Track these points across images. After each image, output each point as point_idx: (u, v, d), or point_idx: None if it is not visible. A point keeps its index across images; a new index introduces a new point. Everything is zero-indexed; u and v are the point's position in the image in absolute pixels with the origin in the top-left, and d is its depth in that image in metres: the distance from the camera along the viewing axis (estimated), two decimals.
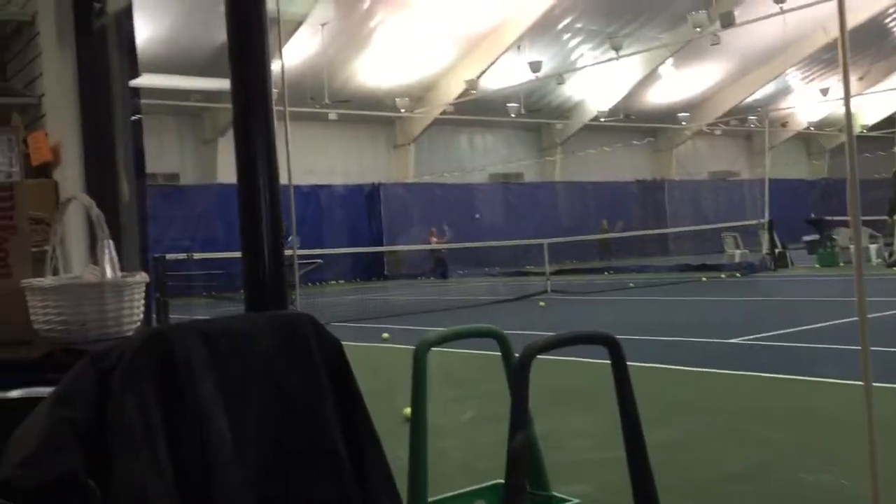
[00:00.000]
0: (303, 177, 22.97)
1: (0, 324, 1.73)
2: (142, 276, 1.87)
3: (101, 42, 2.91)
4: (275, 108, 2.08)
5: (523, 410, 1.98)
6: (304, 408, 1.32)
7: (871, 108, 33.40)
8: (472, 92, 23.60)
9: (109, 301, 1.78)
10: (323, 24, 20.34)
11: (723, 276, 16.51)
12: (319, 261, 14.67)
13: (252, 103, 1.98)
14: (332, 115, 23.12)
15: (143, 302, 1.90)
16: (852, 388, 5.12)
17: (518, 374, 1.98)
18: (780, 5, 17.08)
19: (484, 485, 2.36)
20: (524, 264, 22.22)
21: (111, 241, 1.82)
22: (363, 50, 22.64)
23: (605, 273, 19.82)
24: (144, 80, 3.02)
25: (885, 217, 15.13)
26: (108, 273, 1.79)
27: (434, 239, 22.35)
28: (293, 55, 21.00)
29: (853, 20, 25.75)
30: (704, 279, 15.87)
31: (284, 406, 1.29)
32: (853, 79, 31.66)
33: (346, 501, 1.27)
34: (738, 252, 19.27)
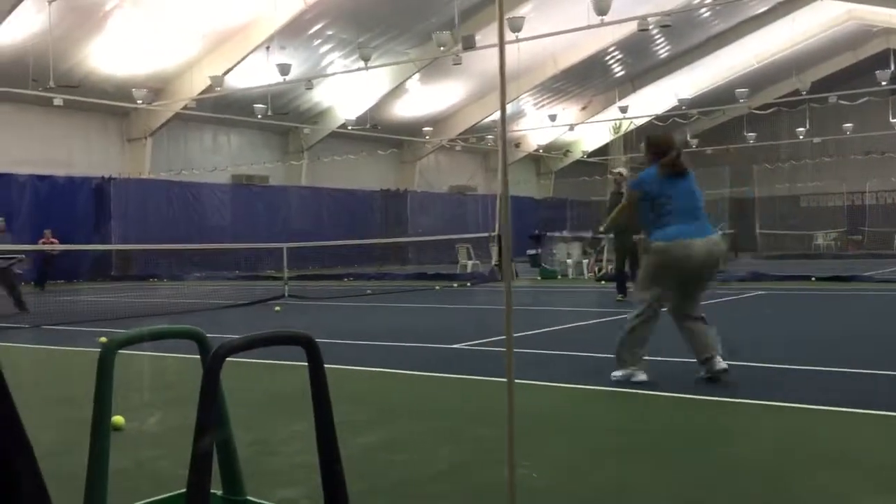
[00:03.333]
0: (18, 165, 20.90)
1: None
2: None
3: None
4: None
5: (210, 412, 1.93)
6: None
7: (591, 136, 36.86)
8: (217, 89, 22.79)
9: None
10: (51, 1, 18.62)
11: (455, 285, 17.32)
12: (20, 256, 13.34)
13: None
14: (58, 101, 21.21)
15: None
16: (557, 389, 5.58)
17: (208, 374, 1.93)
18: (516, 34, 18.30)
19: (169, 494, 2.26)
20: (266, 268, 21.83)
21: None
22: (98, 33, 21.03)
23: (346, 279, 20.02)
24: None
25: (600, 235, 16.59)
26: None
27: (44, 241, 18.66)
28: (13, 31, 19.05)
29: (578, 55, 28.30)
30: (438, 288, 16.55)
31: None
32: (576, 108, 34.70)
33: None
34: (470, 263, 20.35)
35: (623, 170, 12.99)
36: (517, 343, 7.80)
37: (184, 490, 2.26)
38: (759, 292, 13.53)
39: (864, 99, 26.93)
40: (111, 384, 2.15)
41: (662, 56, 32.15)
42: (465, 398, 5.50)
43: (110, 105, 23.11)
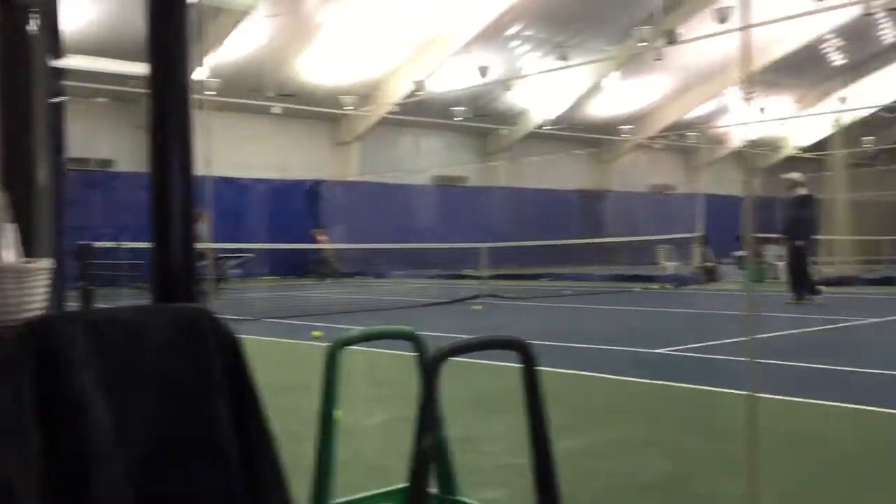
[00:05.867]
0: (241, 169, 22.68)
1: None
2: (46, 262, 1.81)
3: (22, 20, 2.82)
4: (205, 98, 2.06)
5: (431, 414, 1.99)
6: (194, 402, 1.30)
7: (805, 130, 34.47)
8: (419, 93, 23.62)
9: (9, 287, 1.73)
10: (269, 17, 20.09)
11: (655, 287, 16.82)
12: (250, 255, 14.47)
13: (167, 92, 1.95)
14: (276, 109, 22.86)
15: (47, 289, 1.84)
16: (771, 401, 5.27)
17: (427, 377, 1.99)
18: (723, 25, 17.49)
19: (390, 488, 2.35)
20: (463, 268, 22.30)
21: (12, 225, 1.77)
22: (310, 45, 22.45)
23: (543, 280, 20.03)
24: (69, 62, 2.91)
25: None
26: (9, 258, 1.74)
27: (321, 238, 21.69)
28: (238, 46, 20.71)
29: (790, 46, 26.59)
30: (638, 290, 16.15)
31: (174, 399, 1.27)
32: (790, 101, 32.61)
33: (231, 496, 1.25)
34: (671, 264, 19.70)
35: (796, 175, 12.73)
36: (723, 350, 7.45)
37: (402, 485, 2.35)
38: None
39: None
40: (336, 380, 2.27)
41: (890, 41, 29.45)
42: (672, 406, 5.32)
43: (322, 112, 24.59)
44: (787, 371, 6.44)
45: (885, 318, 10.16)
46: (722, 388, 5.66)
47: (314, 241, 21.35)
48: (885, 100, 30.09)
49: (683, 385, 5.82)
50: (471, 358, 6.36)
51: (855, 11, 19.72)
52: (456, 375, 6.22)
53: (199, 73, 20.11)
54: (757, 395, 2.72)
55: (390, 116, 25.61)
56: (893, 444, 4.19)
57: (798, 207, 12.36)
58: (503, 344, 2.14)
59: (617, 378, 6.16)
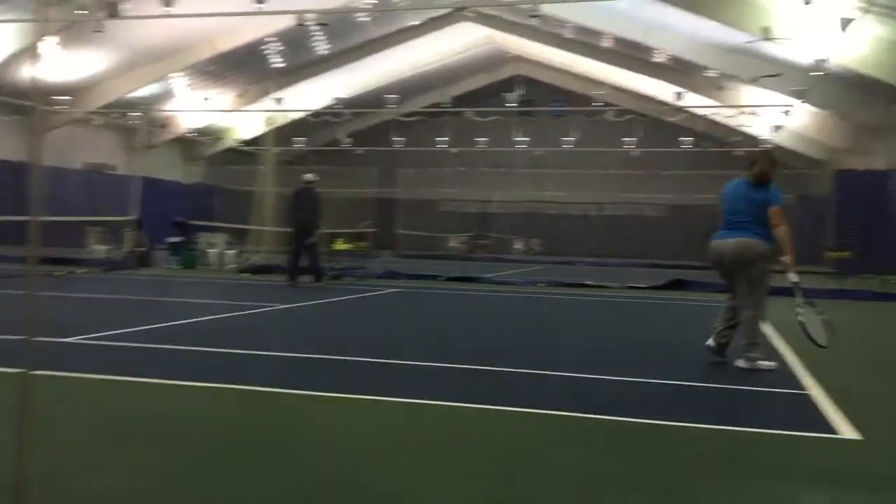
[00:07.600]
0: None
1: None
2: None
3: None
4: None
5: None
6: None
7: (246, 124, 36.24)
8: None
9: None
10: None
11: (83, 271, 15.92)
12: None
13: None
14: None
15: None
16: (164, 387, 5.32)
17: None
18: (167, 9, 17.33)
19: None
20: None
21: None
22: None
23: None
24: None
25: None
26: None
27: None
28: None
29: (236, 40, 27.68)
30: (60, 273, 15.07)
31: None
32: (233, 95, 33.93)
33: None
34: (103, 248, 18.87)
35: (310, 175, 14.65)
36: (134, 337, 7.34)
37: None
38: (393, 290, 14.29)
39: (495, 118, 29.84)
40: None
41: (321, 53, 32.62)
42: (65, 399, 5.01)
43: None
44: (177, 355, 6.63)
45: (295, 304, 11.17)
46: (134, 377, 5.54)
47: None
48: (314, 105, 33.26)
49: (84, 375, 5.55)
50: None
51: (291, 20, 21.30)
52: None
53: None
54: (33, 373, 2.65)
55: None
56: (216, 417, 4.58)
57: (300, 200, 14.04)
58: None
59: (12, 371, 5.57)
